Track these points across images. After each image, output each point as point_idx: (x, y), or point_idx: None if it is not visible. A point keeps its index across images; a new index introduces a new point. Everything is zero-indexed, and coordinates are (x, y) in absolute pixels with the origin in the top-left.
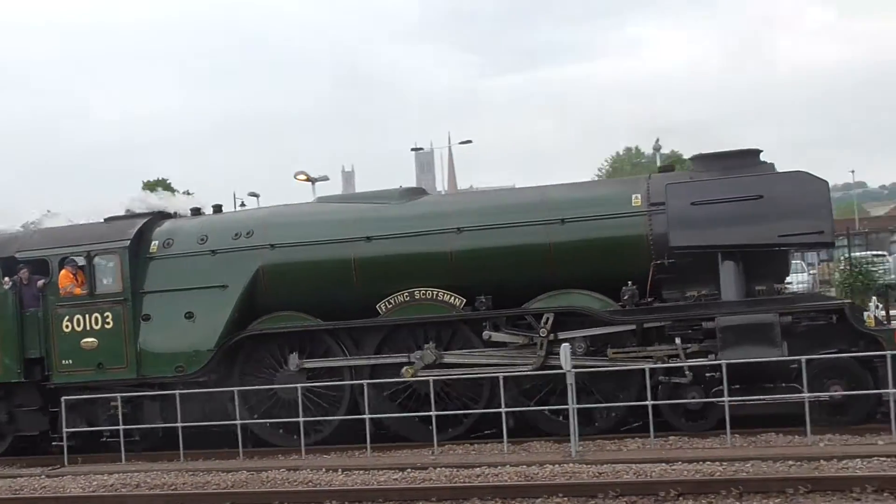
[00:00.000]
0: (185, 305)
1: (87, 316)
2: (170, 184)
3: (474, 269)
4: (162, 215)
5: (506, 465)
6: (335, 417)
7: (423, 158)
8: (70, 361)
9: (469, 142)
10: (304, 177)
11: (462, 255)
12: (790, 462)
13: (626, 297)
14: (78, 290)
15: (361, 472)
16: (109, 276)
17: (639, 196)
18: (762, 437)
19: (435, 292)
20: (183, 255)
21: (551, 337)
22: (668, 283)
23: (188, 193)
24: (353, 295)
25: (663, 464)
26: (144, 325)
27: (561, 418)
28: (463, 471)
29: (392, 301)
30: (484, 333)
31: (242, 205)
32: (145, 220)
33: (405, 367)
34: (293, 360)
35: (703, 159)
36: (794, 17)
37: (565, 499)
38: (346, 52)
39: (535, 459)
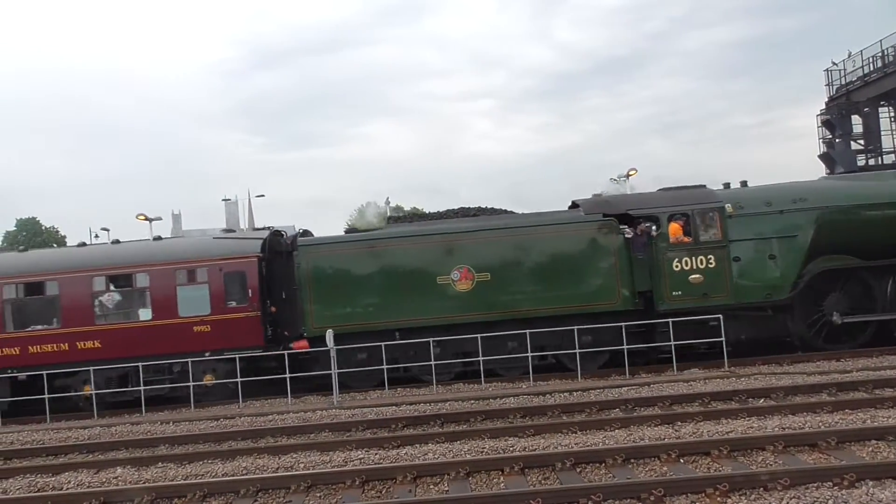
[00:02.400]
0: (766, 250)
1: (693, 258)
2: (38, 220)
3: None
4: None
5: (290, 413)
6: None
7: (230, 206)
8: (679, 293)
9: (262, 195)
10: (143, 217)
11: None
12: (472, 401)
13: None
14: (686, 239)
15: (187, 423)
16: (710, 229)
17: None
18: (454, 386)
19: None
20: (757, 214)
21: None
22: None
23: (54, 228)
24: (881, 241)
25: (394, 406)
26: (735, 265)
27: None
28: (260, 418)
29: None
30: None
31: (96, 237)
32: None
33: None
34: (832, 297)
35: None
36: (467, 126)
37: (330, 433)
38: (166, 132)
39: (310, 407)
